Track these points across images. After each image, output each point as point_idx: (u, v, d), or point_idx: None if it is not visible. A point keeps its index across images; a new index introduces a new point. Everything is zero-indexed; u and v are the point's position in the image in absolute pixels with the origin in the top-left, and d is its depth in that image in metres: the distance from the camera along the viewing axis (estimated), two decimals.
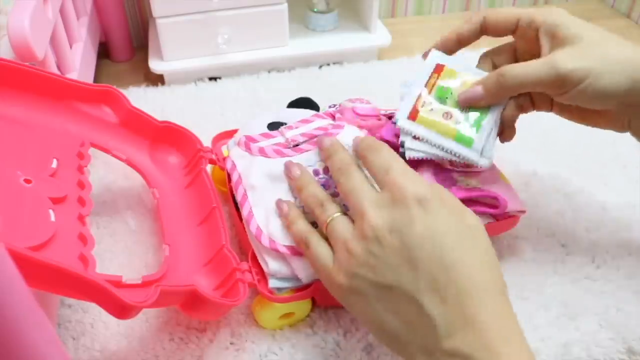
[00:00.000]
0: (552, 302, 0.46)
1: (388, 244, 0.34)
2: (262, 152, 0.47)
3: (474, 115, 0.45)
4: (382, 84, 0.73)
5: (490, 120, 0.45)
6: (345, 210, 0.40)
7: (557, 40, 0.42)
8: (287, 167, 0.44)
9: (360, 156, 0.40)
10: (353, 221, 0.38)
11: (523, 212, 0.48)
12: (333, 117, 0.51)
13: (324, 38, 0.79)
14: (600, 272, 0.49)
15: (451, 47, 0.48)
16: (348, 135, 0.47)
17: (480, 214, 0.46)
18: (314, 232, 0.40)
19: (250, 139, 0.48)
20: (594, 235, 0.52)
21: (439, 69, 0.47)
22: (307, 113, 0.52)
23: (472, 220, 0.36)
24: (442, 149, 0.44)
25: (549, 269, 0.49)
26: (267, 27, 0.74)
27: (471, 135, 0.44)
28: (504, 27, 0.45)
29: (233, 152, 0.49)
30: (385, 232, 0.34)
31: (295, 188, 0.43)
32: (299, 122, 0.49)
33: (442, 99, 0.45)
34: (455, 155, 0.44)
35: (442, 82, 0.46)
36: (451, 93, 0.45)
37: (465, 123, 0.44)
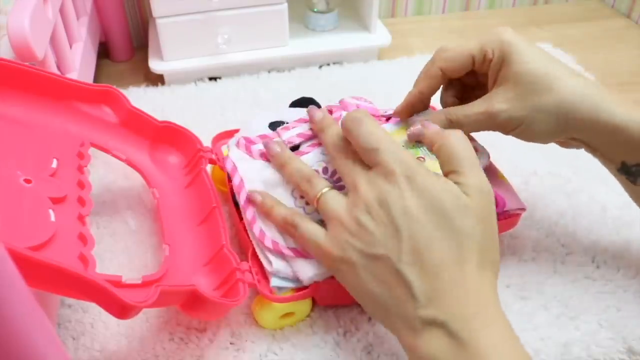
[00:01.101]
0: (552, 302, 0.46)
1: (377, 216, 0.37)
2: (263, 156, 0.47)
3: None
4: (382, 84, 0.73)
5: None
6: (332, 185, 0.41)
7: (501, 76, 0.44)
8: (266, 146, 0.46)
9: (345, 131, 0.41)
10: (343, 195, 0.40)
11: (523, 209, 0.48)
12: (331, 112, 0.51)
13: (324, 38, 0.79)
14: (600, 272, 0.49)
15: (418, 108, 0.48)
16: None
17: None
18: (297, 212, 0.42)
19: (249, 141, 0.48)
20: (594, 235, 0.52)
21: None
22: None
23: (460, 194, 0.36)
24: None
25: (549, 269, 0.49)
26: (267, 27, 0.74)
27: None
28: (462, 69, 0.46)
29: (233, 153, 0.49)
30: (375, 205, 0.37)
31: (277, 165, 0.44)
32: (296, 121, 0.49)
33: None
34: None
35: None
36: (405, 145, 0.46)
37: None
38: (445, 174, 0.38)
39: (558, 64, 0.44)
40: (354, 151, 0.40)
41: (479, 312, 0.34)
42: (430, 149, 0.40)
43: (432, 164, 0.45)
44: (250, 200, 0.44)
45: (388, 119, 0.51)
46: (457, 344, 0.33)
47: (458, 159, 0.37)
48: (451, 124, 0.45)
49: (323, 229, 0.40)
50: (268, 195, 0.44)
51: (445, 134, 0.39)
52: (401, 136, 0.47)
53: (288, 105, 0.56)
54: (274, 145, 0.45)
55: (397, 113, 0.48)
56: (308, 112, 0.46)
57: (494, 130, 0.45)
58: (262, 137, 0.49)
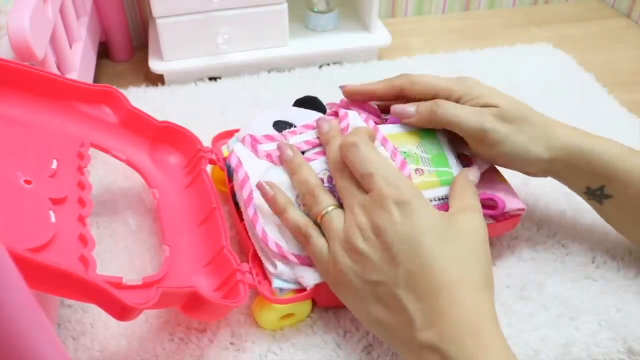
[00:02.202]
0: (552, 302, 0.46)
1: (373, 244, 0.38)
2: (269, 157, 0.47)
3: (435, 157, 0.47)
4: None
5: (448, 150, 0.48)
6: (337, 202, 0.42)
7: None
8: (280, 149, 0.46)
9: (342, 155, 0.42)
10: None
11: (523, 210, 0.48)
12: (336, 114, 0.50)
13: (324, 38, 0.79)
14: (600, 272, 0.49)
15: (362, 98, 0.51)
16: (353, 122, 0.48)
17: None
18: (313, 226, 0.42)
19: (255, 140, 0.48)
20: (594, 235, 0.52)
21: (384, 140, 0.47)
22: (313, 115, 0.52)
23: (453, 218, 0.39)
24: (439, 199, 0.45)
25: (549, 269, 0.49)
26: (267, 27, 0.74)
27: (448, 173, 0.46)
28: (422, 97, 0.48)
29: (238, 149, 0.48)
30: (369, 231, 0.38)
31: (288, 170, 0.45)
32: (303, 127, 0.49)
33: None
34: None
35: (399, 147, 0.47)
36: (406, 153, 0.47)
37: (434, 168, 0.47)
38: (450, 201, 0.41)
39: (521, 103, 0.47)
40: (354, 177, 0.41)
41: (477, 334, 0.34)
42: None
43: (430, 176, 0.46)
44: (261, 188, 0.44)
45: (386, 120, 0.51)
46: None
47: (464, 196, 0.42)
48: (435, 114, 0.46)
49: (327, 247, 0.41)
50: (280, 192, 0.44)
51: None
52: (399, 140, 0.48)
53: (292, 104, 0.55)
54: (287, 149, 0.45)
55: (349, 91, 0.51)
56: (316, 123, 0.47)
57: (473, 140, 0.46)
58: (268, 137, 0.48)
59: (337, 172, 0.42)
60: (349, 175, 0.41)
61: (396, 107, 0.48)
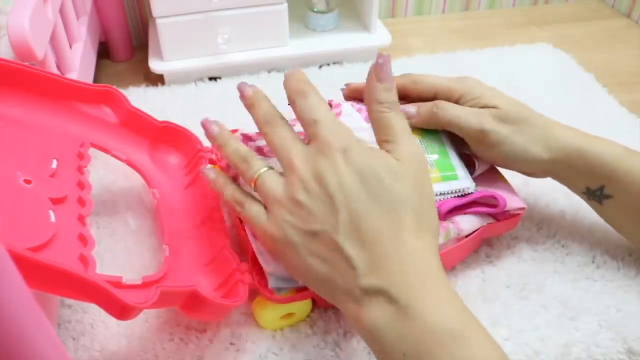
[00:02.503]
0: (552, 302, 0.46)
1: (313, 192, 0.37)
2: (259, 151, 0.47)
3: (437, 155, 0.47)
4: None
5: (450, 147, 0.48)
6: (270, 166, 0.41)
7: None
8: (204, 125, 0.44)
9: (289, 99, 0.41)
10: (280, 174, 0.39)
11: (523, 209, 0.48)
12: (330, 105, 0.51)
13: (324, 38, 0.79)
14: (600, 272, 0.49)
15: (353, 98, 0.51)
16: (346, 116, 0.48)
17: (480, 214, 0.47)
18: (246, 194, 0.41)
19: (246, 137, 0.48)
20: (594, 235, 0.52)
21: None
22: None
23: (393, 162, 0.37)
24: (440, 194, 0.46)
25: (549, 269, 0.49)
26: (267, 27, 0.74)
27: (450, 169, 0.47)
28: (423, 97, 0.49)
29: None
30: (311, 181, 0.37)
31: (217, 147, 0.43)
32: (294, 119, 0.49)
33: None
34: (452, 192, 0.46)
35: None
36: None
37: (435, 163, 0.47)
38: (379, 143, 0.39)
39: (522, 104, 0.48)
40: (288, 130, 0.40)
41: (419, 277, 0.35)
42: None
43: (432, 172, 0.46)
44: (203, 173, 0.44)
45: None
46: (398, 308, 0.34)
47: (393, 130, 0.39)
48: (435, 115, 0.47)
49: (265, 211, 0.40)
50: (221, 174, 0.43)
51: (384, 108, 0.39)
52: None
53: (287, 104, 0.55)
54: (212, 125, 0.44)
55: (351, 89, 0.51)
56: (238, 87, 0.44)
57: (473, 140, 0.47)
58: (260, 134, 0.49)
59: (270, 129, 0.40)
60: (283, 129, 0.40)
61: None
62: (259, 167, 0.40)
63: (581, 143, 0.45)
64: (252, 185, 0.40)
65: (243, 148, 0.42)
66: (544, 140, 0.46)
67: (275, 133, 0.40)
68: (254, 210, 0.40)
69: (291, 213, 0.37)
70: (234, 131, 0.55)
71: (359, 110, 0.48)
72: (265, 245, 0.41)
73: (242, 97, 0.43)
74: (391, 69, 0.40)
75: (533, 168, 0.47)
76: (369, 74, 0.40)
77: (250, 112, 0.42)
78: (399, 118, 0.39)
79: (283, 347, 0.43)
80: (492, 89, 0.48)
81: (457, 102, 0.47)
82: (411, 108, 0.48)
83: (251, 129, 0.50)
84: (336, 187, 0.36)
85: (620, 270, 0.49)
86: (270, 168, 0.40)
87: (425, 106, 0.48)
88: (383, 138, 0.39)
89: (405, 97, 0.50)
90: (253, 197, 0.41)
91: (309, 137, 0.39)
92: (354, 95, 0.51)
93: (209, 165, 0.45)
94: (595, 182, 0.46)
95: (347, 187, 0.36)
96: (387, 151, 0.38)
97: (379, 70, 0.39)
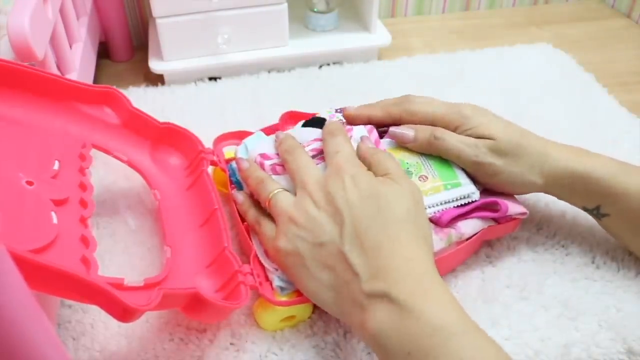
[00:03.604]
0: (552, 302, 0.46)
1: (322, 206, 0.41)
2: (274, 170, 0.47)
3: (439, 165, 0.48)
4: (382, 84, 0.73)
5: None
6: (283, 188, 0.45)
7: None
8: (239, 165, 0.49)
9: (323, 140, 0.46)
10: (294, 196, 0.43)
11: (524, 214, 0.48)
12: None
13: (324, 38, 0.79)
14: (600, 273, 0.49)
15: (360, 122, 0.52)
16: (357, 135, 0.49)
17: (482, 218, 0.47)
18: (265, 216, 0.45)
19: (264, 157, 0.48)
20: (594, 235, 0.52)
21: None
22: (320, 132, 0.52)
23: (394, 184, 0.42)
24: (445, 202, 0.46)
25: (549, 269, 0.49)
26: (267, 27, 0.74)
27: (453, 177, 0.47)
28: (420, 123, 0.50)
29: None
30: (321, 198, 0.41)
31: (243, 178, 0.48)
32: (312, 140, 0.49)
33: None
34: (457, 199, 0.46)
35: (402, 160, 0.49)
36: (406, 162, 0.48)
37: (437, 172, 0.47)
38: (378, 175, 0.43)
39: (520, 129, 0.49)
40: (307, 158, 0.45)
41: (417, 280, 0.37)
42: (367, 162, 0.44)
43: (435, 181, 0.46)
44: (234, 197, 0.48)
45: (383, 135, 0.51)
46: (401, 309, 0.35)
47: (387, 166, 0.43)
48: (433, 144, 0.48)
49: (277, 228, 0.43)
50: (247, 198, 0.48)
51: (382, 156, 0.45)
52: (402, 153, 0.49)
53: (301, 125, 0.55)
54: (244, 162, 0.49)
55: (349, 115, 0.52)
56: (276, 134, 0.50)
57: (467, 167, 0.48)
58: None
59: (289, 157, 0.45)
60: (303, 157, 0.45)
61: (395, 131, 0.49)
62: (273, 187, 0.45)
63: (575, 165, 0.46)
64: (267, 205, 0.44)
65: (262, 173, 0.47)
66: (538, 167, 0.47)
67: (294, 160, 0.45)
68: (268, 228, 0.44)
69: (300, 226, 0.41)
70: (236, 133, 0.55)
71: (369, 132, 0.49)
72: (276, 261, 0.43)
73: (276, 140, 0.49)
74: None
75: (530, 191, 0.49)
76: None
77: (278, 150, 0.48)
78: (388, 157, 0.45)
79: (283, 347, 0.44)
80: (487, 116, 0.49)
81: (454, 131, 0.48)
82: (409, 132, 0.49)
83: (252, 129, 0.50)
84: (343, 203, 0.40)
85: (620, 270, 0.49)
86: (284, 190, 0.44)
87: (423, 132, 0.48)
88: (381, 172, 0.43)
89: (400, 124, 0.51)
90: (269, 217, 0.45)
91: (328, 165, 0.44)
92: (354, 122, 0.52)
93: (236, 191, 0.49)
94: (591, 203, 0.47)
95: (352, 204, 0.40)
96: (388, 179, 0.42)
97: (364, 138, 0.48)
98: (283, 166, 0.47)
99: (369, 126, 0.50)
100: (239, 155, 0.51)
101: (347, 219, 0.39)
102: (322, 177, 0.43)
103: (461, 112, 0.48)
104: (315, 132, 0.49)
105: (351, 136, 0.48)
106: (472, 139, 0.47)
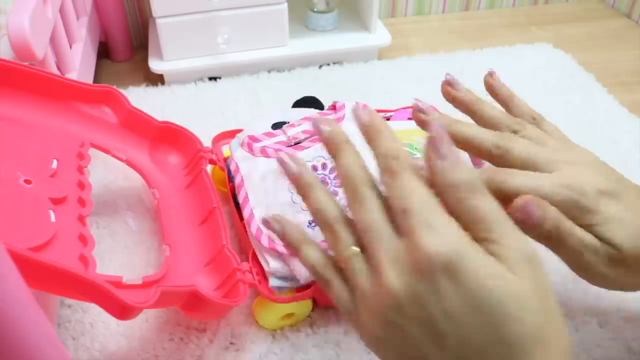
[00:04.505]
0: None
1: (411, 316, 0.29)
2: (263, 152, 0.47)
3: None
4: (382, 84, 0.73)
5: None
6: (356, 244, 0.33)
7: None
8: (282, 163, 0.35)
9: (384, 182, 0.32)
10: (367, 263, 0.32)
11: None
12: (334, 108, 0.51)
13: (324, 38, 0.79)
14: None
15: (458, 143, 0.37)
16: (348, 120, 0.48)
17: None
18: (334, 273, 0.34)
19: (253, 139, 0.49)
20: None
21: None
22: (312, 112, 0.52)
23: (512, 281, 0.28)
24: None
25: (549, 269, 0.49)
26: (267, 27, 0.74)
27: None
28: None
29: (237, 153, 0.49)
30: (407, 303, 0.29)
31: (297, 188, 0.35)
32: (302, 119, 0.49)
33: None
34: None
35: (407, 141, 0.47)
36: (413, 146, 0.47)
37: None
38: (475, 239, 0.29)
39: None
40: (377, 205, 0.31)
41: None
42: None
43: None
44: (266, 225, 0.36)
45: (387, 119, 0.51)
46: None
47: (487, 222, 0.29)
48: (561, 233, 0.36)
49: (353, 300, 0.32)
50: (291, 225, 0.35)
51: (464, 193, 0.29)
52: (408, 135, 0.48)
53: (291, 105, 0.56)
54: (291, 164, 0.34)
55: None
56: (312, 123, 0.34)
57: (574, 268, 0.38)
58: (267, 134, 0.49)
59: (355, 204, 0.32)
60: (373, 204, 0.31)
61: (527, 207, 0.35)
62: (348, 245, 0.32)
63: None
64: (341, 263, 0.33)
65: (330, 210, 0.33)
66: None
67: (362, 208, 0.31)
68: (344, 298, 0.33)
69: (385, 331, 0.30)
70: (235, 131, 0.55)
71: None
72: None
73: (320, 136, 0.34)
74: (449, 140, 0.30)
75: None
76: (425, 152, 0.31)
77: (334, 164, 0.34)
78: (486, 201, 0.29)
79: (283, 347, 0.43)
80: (618, 205, 0.37)
81: (572, 219, 0.36)
82: (537, 210, 0.35)
83: (256, 129, 0.50)
84: (441, 316, 0.28)
85: None
86: (360, 252, 0.32)
87: (553, 221, 0.35)
88: (480, 236, 0.29)
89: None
90: (337, 273, 0.33)
91: (399, 227, 0.30)
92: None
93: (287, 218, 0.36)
94: None
95: (455, 318, 0.28)
96: (490, 253, 0.29)
97: (435, 146, 0.30)
98: (274, 149, 0.46)
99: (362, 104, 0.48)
100: (232, 149, 0.50)
101: (451, 340, 0.28)
102: (401, 259, 0.29)
103: (581, 202, 0.36)
104: (304, 111, 0.49)
105: (344, 115, 0.46)
106: (595, 241, 0.36)
